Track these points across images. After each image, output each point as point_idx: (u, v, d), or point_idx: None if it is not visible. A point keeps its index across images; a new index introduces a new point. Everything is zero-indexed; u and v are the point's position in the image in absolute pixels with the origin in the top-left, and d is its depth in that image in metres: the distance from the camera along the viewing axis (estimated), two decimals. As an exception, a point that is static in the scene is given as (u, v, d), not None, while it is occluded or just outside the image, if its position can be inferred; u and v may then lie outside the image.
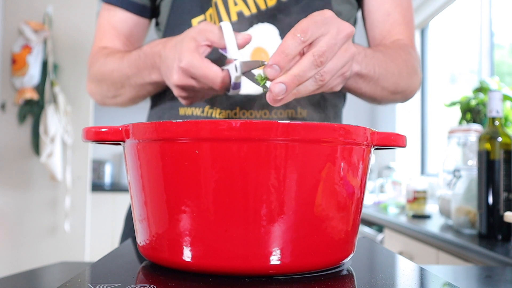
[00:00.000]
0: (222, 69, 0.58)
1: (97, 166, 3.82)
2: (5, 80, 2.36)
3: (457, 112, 1.98)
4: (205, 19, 0.72)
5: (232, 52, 0.58)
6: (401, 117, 3.14)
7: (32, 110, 2.33)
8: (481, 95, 1.86)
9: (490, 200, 1.15)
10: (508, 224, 1.15)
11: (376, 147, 0.45)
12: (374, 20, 0.77)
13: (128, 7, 0.78)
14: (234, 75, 0.57)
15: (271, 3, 0.71)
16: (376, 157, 3.21)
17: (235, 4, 0.71)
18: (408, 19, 0.78)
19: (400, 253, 1.67)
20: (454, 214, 1.35)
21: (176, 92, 0.62)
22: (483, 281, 0.67)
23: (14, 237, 2.34)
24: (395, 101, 0.77)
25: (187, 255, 0.39)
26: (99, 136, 0.43)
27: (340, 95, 0.78)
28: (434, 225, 1.58)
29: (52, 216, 2.36)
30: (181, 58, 0.57)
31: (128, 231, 0.81)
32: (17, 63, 2.29)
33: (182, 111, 0.73)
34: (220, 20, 0.71)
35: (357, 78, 0.65)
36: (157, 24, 0.82)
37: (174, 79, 0.59)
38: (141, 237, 0.43)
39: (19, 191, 2.34)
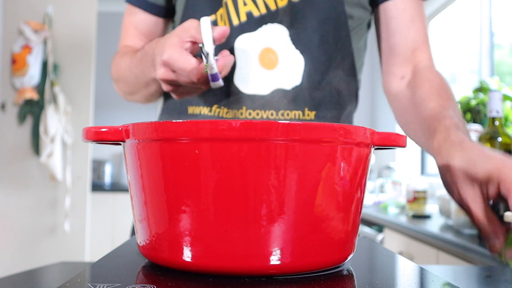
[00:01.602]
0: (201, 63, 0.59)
1: (97, 166, 3.82)
2: (5, 80, 2.36)
3: (457, 112, 1.98)
4: (216, 19, 0.74)
5: (207, 45, 0.59)
6: (401, 117, 3.13)
7: (32, 110, 2.33)
8: (481, 95, 1.86)
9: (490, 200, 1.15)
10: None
11: (376, 147, 0.45)
12: (398, 26, 0.76)
13: (147, 8, 0.82)
14: (207, 66, 0.58)
15: (282, 3, 0.71)
16: (376, 157, 3.21)
17: (245, 4, 0.71)
18: (426, 26, 0.78)
19: (400, 253, 1.67)
20: (454, 214, 1.35)
21: (163, 86, 0.64)
22: (483, 281, 0.67)
23: (14, 237, 2.34)
24: None
25: (187, 255, 0.39)
26: (99, 136, 0.43)
27: (352, 98, 0.78)
28: (434, 225, 1.58)
29: (52, 216, 2.36)
30: (162, 52, 0.60)
31: None
32: (17, 63, 2.29)
33: (190, 109, 0.75)
34: (230, 20, 0.71)
35: None
36: (173, 22, 0.85)
37: (158, 73, 0.61)
38: (141, 237, 0.43)
39: (19, 191, 2.34)
